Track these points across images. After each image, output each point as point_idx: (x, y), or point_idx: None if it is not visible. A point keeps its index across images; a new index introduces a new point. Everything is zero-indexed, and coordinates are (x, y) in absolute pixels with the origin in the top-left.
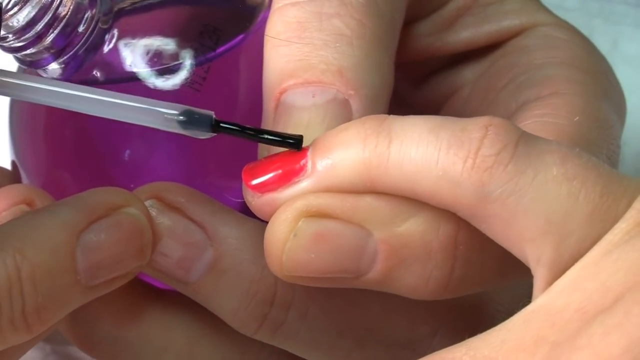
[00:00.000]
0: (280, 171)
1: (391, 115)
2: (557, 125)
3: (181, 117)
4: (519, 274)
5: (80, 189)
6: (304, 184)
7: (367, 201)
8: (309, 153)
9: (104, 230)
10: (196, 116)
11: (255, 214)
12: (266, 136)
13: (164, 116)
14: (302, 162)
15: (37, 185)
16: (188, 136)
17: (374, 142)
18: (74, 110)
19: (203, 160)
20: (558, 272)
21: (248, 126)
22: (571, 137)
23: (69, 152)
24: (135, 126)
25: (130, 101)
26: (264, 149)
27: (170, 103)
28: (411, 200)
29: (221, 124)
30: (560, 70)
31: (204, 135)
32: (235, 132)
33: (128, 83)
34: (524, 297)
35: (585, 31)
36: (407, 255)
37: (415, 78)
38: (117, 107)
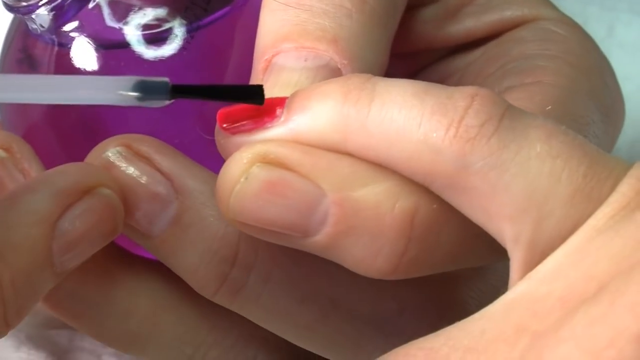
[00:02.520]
0: (255, 116)
1: (377, 76)
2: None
3: (136, 93)
4: (473, 261)
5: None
6: (274, 130)
7: (329, 159)
8: (287, 101)
9: (78, 217)
10: (151, 85)
11: (222, 154)
12: (227, 93)
13: (118, 92)
14: (278, 109)
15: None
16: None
17: (355, 97)
18: (26, 102)
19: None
20: (536, 253)
21: (206, 85)
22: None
23: (49, 107)
24: None
25: (81, 83)
26: None
27: (122, 77)
28: (374, 167)
29: (178, 89)
30: (550, 62)
31: (161, 103)
32: (194, 95)
33: (117, 48)
34: (499, 286)
35: (580, 18)
36: (358, 223)
37: (410, 70)
38: (69, 90)
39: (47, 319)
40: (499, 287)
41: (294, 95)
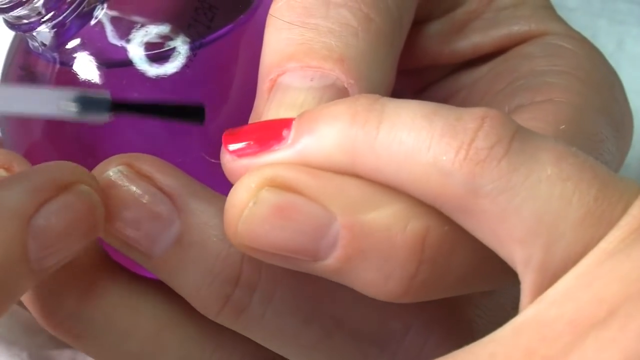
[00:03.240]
0: (261, 138)
1: (385, 97)
2: (540, 130)
3: (74, 106)
4: (485, 284)
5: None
6: (281, 153)
7: (338, 182)
8: (294, 123)
9: (54, 213)
10: (91, 99)
11: (228, 177)
12: (168, 110)
13: (58, 104)
14: (285, 132)
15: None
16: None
17: (363, 119)
18: None
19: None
20: (547, 276)
21: (147, 102)
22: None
23: (51, 125)
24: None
25: (21, 94)
26: (254, 120)
27: (63, 89)
28: (384, 189)
29: (118, 105)
30: (560, 78)
31: (102, 118)
32: (135, 111)
33: (119, 66)
34: (506, 305)
35: (589, 32)
36: (368, 247)
37: (417, 87)
38: (9, 99)
39: (49, 339)
40: (507, 305)
41: (300, 117)
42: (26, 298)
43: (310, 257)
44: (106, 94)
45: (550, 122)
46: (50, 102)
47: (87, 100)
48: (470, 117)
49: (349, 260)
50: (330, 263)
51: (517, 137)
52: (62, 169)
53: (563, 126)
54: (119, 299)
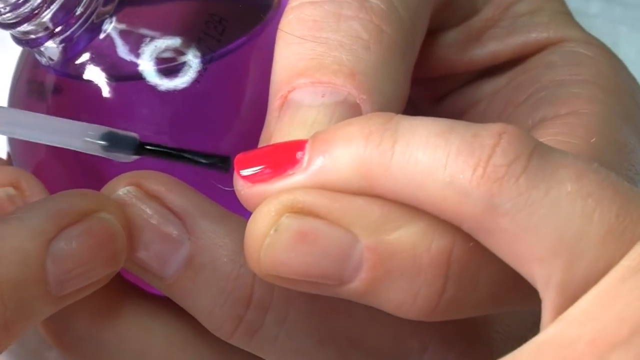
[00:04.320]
0: (274, 162)
1: (399, 115)
2: (571, 145)
3: (103, 142)
4: (516, 301)
5: (70, 181)
6: (297, 177)
7: (358, 204)
8: (307, 145)
9: (75, 238)
10: (118, 138)
11: (243, 204)
12: (194, 157)
13: (84, 139)
14: (299, 154)
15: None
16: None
17: (377, 139)
18: None
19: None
20: (568, 295)
21: (174, 147)
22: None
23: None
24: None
25: (48, 124)
26: (265, 139)
27: (92, 125)
28: (405, 208)
29: (146, 146)
30: (583, 88)
31: (127, 158)
32: (161, 154)
33: (129, 79)
34: (526, 320)
35: (610, 39)
36: (394, 267)
37: (434, 97)
38: (35, 129)
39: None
40: (527, 321)
41: (314, 139)
42: None
43: (336, 281)
44: (134, 135)
45: (580, 136)
46: (76, 136)
47: (115, 137)
48: (487, 134)
49: (376, 281)
50: (356, 286)
51: (535, 153)
52: (85, 196)
53: (593, 139)
54: (131, 319)
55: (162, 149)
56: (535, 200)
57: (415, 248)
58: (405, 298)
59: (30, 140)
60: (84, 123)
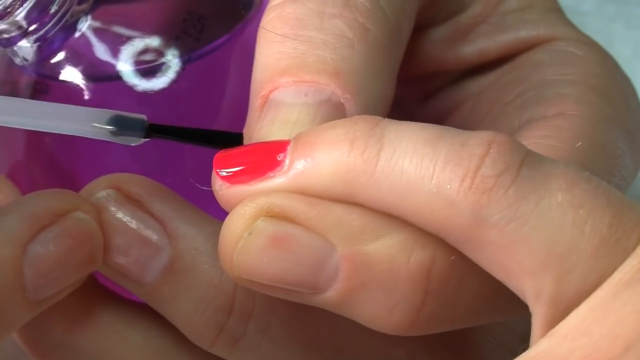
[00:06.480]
0: (254, 163)
1: (386, 119)
2: (556, 149)
3: (110, 127)
4: (496, 314)
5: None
6: (277, 180)
7: (337, 211)
8: (289, 147)
9: (51, 241)
10: (127, 121)
11: (221, 205)
12: (205, 137)
13: (92, 124)
14: (280, 156)
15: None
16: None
17: (362, 146)
18: None
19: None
20: (559, 309)
21: (184, 127)
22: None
23: (32, 144)
24: None
25: (54, 111)
26: (246, 140)
27: (99, 109)
28: (386, 218)
29: (155, 128)
30: (571, 89)
31: (137, 141)
32: (171, 136)
33: (106, 80)
34: (517, 329)
35: (604, 37)
36: (371, 278)
37: (421, 95)
38: (40, 117)
39: None
40: (517, 329)
41: (296, 141)
42: None
43: (310, 289)
44: (142, 117)
45: (565, 140)
46: (83, 121)
47: (123, 121)
48: (476, 142)
49: (351, 293)
50: (331, 296)
51: (526, 163)
52: (59, 196)
53: (579, 143)
54: (109, 326)
55: (172, 130)
56: (525, 211)
57: (392, 260)
58: (381, 311)
59: (35, 129)
60: (90, 108)
